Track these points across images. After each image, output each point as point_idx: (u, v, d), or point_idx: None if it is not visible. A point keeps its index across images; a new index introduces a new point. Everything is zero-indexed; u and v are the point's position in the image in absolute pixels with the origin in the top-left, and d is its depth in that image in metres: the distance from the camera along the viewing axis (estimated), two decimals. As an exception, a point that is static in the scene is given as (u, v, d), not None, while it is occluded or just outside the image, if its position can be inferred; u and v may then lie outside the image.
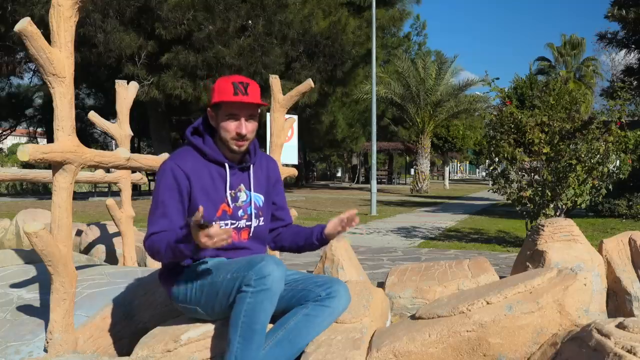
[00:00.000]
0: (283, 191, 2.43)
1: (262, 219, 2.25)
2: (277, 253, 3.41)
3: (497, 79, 7.52)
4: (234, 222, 2.16)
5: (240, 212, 2.18)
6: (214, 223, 1.81)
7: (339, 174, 53.88)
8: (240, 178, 2.20)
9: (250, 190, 2.21)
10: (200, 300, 2.07)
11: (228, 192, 2.15)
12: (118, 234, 4.06)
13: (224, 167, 2.16)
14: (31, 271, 2.85)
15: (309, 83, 3.32)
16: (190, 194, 2.10)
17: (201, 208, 1.81)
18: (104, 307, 2.42)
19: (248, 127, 2.11)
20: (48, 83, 2.07)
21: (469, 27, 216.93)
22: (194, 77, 15.92)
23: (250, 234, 2.20)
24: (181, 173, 2.09)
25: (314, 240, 2.30)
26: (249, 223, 2.20)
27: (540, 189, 6.92)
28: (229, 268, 2.00)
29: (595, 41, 21.04)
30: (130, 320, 2.48)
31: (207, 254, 2.13)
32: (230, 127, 2.10)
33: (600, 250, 3.10)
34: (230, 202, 2.15)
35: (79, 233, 4.68)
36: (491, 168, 7.33)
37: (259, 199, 2.25)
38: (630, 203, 10.95)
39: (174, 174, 2.08)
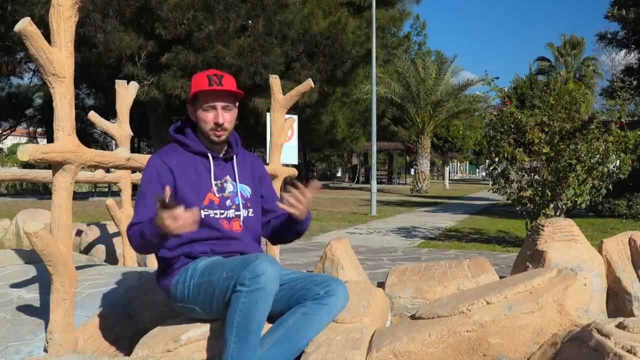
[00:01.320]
0: (271, 183, 2.48)
1: (251, 210, 2.27)
2: (276, 252, 3.41)
3: (497, 78, 7.52)
4: (223, 211, 2.19)
5: (228, 202, 2.21)
6: (180, 206, 1.79)
7: (339, 174, 53.87)
8: (225, 169, 2.26)
9: (235, 181, 2.26)
10: (198, 299, 2.07)
11: (213, 182, 2.20)
12: (118, 234, 4.06)
13: (208, 158, 2.22)
14: (31, 271, 2.85)
15: (309, 83, 3.32)
16: (175, 188, 2.14)
17: (167, 188, 1.85)
18: (104, 307, 2.42)
19: (225, 117, 2.18)
20: (48, 83, 2.07)
21: (469, 27, 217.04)
22: (194, 77, 15.89)
23: (241, 224, 2.22)
24: (164, 167, 2.15)
25: (290, 225, 2.29)
26: (238, 213, 2.22)
27: (540, 189, 6.92)
28: (224, 267, 2.01)
29: (595, 41, 21.04)
30: (130, 320, 2.48)
31: (200, 249, 2.14)
32: (208, 118, 2.17)
33: (600, 250, 3.10)
34: (216, 192, 2.20)
35: (79, 233, 4.68)
36: (491, 168, 7.33)
37: (245, 189, 2.28)
38: (630, 203, 10.95)
39: (157, 168, 2.15)
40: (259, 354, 1.95)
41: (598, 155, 6.65)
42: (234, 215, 2.21)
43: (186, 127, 2.26)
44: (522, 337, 2.07)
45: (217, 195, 2.19)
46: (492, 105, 9.13)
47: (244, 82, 15.23)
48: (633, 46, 17.17)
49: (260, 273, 1.88)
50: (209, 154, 2.22)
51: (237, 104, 2.26)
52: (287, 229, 2.34)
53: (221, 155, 2.26)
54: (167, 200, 1.78)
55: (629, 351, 1.63)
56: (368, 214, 12.75)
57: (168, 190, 1.84)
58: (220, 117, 2.16)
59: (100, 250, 4.40)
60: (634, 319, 1.84)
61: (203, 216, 2.14)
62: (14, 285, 2.67)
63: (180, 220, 1.80)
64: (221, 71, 2.23)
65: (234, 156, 2.29)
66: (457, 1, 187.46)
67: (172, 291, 2.15)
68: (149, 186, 2.13)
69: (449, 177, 40.50)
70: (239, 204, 2.23)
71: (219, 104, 2.16)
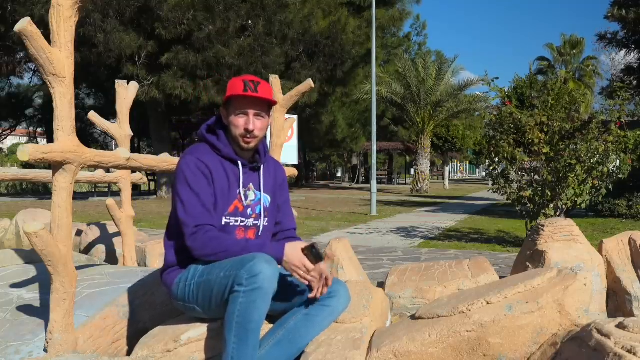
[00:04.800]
0: (287, 194, 2.44)
1: (267, 219, 2.27)
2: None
3: (497, 78, 7.52)
4: (243, 219, 2.19)
5: (249, 211, 2.21)
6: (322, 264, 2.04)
7: (339, 174, 53.87)
8: (250, 177, 2.24)
9: (259, 190, 2.25)
10: (198, 298, 2.07)
11: (241, 189, 2.19)
12: (118, 234, 4.06)
13: (237, 164, 2.20)
14: (31, 271, 2.85)
15: (309, 83, 3.32)
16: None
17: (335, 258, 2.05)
18: (104, 307, 2.42)
19: (256, 124, 2.16)
20: (48, 83, 2.07)
21: (469, 27, 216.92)
22: (194, 77, 15.91)
23: (259, 234, 2.23)
24: (204, 166, 2.13)
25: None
26: (257, 222, 2.22)
27: (540, 189, 6.92)
28: (222, 266, 2.01)
29: (595, 41, 21.07)
30: (130, 320, 2.48)
31: None
32: (239, 123, 2.15)
33: (600, 250, 3.10)
34: (242, 199, 2.19)
35: (79, 233, 4.68)
36: (491, 168, 7.32)
37: (266, 199, 2.28)
38: (630, 203, 10.95)
39: (198, 166, 2.12)
40: (260, 355, 1.95)
41: (598, 155, 6.64)
42: (252, 224, 2.21)
43: (218, 129, 2.24)
44: (522, 337, 2.07)
45: (241, 202, 2.19)
46: (492, 106, 9.13)
47: (244, 82, 15.17)
48: (633, 46, 17.19)
49: (258, 272, 1.87)
50: (239, 162, 2.20)
51: (270, 112, 2.25)
52: None
53: (250, 162, 2.25)
54: (323, 256, 2.05)
55: (629, 351, 1.63)
56: (368, 214, 12.75)
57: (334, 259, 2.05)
58: (251, 123, 2.14)
59: (100, 250, 4.40)
60: (634, 319, 1.84)
61: (223, 224, 2.14)
62: (14, 285, 2.67)
63: (311, 276, 2.02)
64: (259, 78, 2.20)
65: (262, 165, 2.28)
66: (457, 1, 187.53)
67: (174, 290, 2.15)
68: (198, 184, 2.08)
69: (449, 177, 40.48)
70: (259, 212, 2.23)
71: (251, 111, 2.14)
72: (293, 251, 2.00)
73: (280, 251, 2.00)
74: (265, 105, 2.18)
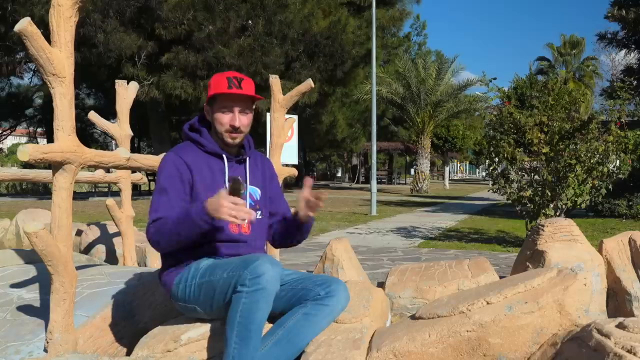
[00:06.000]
0: (278, 185, 2.46)
1: (259, 212, 2.27)
2: (276, 252, 3.41)
3: (495, 78, 7.54)
4: None
5: None
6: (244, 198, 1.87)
7: (339, 174, 53.87)
8: (237, 171, 2.25)
9: (246, 182, 2.25)
10: (199, 299, 2.07)
11: (227, 183, 2.19)
12: (118, 234, 4.06)
13: (222, 159, 2.21)
14: (31, 271, 2.85)
15: (309, 83, 3.32)
16: (192, 185, 2.14)
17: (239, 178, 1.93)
18: (104, 307, 2.42)
19: (242, 120, 2.18)
20: (48, 83, 2.07)
21: (469, 27, 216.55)
22: (194, 77, 15.92)
23: (254, 227, 2.22)
24: (183, 164, 2.13)
25: (296, 228, 2.30)
26: None
27: (540, 189, 6.92)
28: (225, 267, 2.01)
29: (595, 41, 21.09)
30: (130, 320, 2.48)
31: (206, 251, 2.14)
32: (224, 120, 2.16)
33: (600, 250, 3.10)
34: None
35: (79, 233, 4.68)
36: (491, 168, 7.33)
37: (255, 192, 2.28)
38: (630, 203, 10.95)
39: (176, 165, 2.13)
40: (259, 354, 1.95)
41: (598, 155, 6.65)
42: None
43: (201, 126, 2.25)
44: (522, 337, 2.07)
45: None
46: (492, 106, 9.14)
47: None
48: (633, 46, 17.20)
49: (261, 273, 1.88)
50: (224, 155, 2.21)
51: (253, 107, 2.25)
52: (293, 231, 2.32)
53: (235, 157, 2.26)
54: (241, 189, 1.86)
55: (629, 351, 1.63)
56: (368, 214, 12.75)
57: (243, 185, 1.90)
58: (237, 120, 2.15)
59: (100, 250, 4.40)
60: (634, 319, 1.84)
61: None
62: (14, 285, 2.67)
63: (236, 210, 1.83)
64: (241, 74, 2.21)
65: (247, 158, 2.29)
66: (457, 1, 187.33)
67: (173, 290, 2.15)
68: (170, 183, 2.10)
69: (449, 177, 40.49)
70: (247, 206, 2.22)
71: (237, 107, 2.16)
72: (212, 198, 1.89)
73: (201, 208, 1.92)
74: (250, 101, 2.20)
